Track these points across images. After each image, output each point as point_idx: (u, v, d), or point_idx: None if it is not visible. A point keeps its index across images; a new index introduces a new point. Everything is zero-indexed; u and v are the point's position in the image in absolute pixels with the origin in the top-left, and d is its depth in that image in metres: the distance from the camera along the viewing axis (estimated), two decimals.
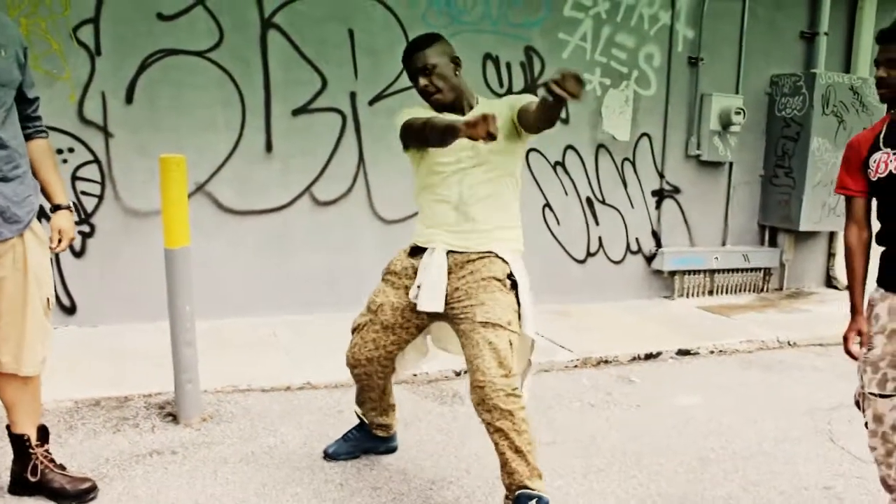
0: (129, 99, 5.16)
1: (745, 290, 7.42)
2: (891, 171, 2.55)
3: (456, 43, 5.75)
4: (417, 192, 3.00)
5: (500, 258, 2.86)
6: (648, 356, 5.23)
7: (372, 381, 3.19)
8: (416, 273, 2.93)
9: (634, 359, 5.17)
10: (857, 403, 2.71)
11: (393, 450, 3.49)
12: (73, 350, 4.65)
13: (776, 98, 7.30)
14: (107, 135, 5.17)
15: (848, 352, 2.69)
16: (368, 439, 3.44)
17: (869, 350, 2.63)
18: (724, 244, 7.38)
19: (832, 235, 7.82)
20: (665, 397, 4.49)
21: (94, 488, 2.98)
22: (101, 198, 5.22)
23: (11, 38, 2.61)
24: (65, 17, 4.94)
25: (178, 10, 5.20)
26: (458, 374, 4.56)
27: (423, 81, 2.86)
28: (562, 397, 4.37)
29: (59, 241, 2.87)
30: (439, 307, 2.83)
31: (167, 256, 3.60)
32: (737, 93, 7.10)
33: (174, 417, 3.76)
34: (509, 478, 2.71)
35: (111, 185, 5.22)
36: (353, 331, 3.13)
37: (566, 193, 6.58)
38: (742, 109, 6.93)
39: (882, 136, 2.61)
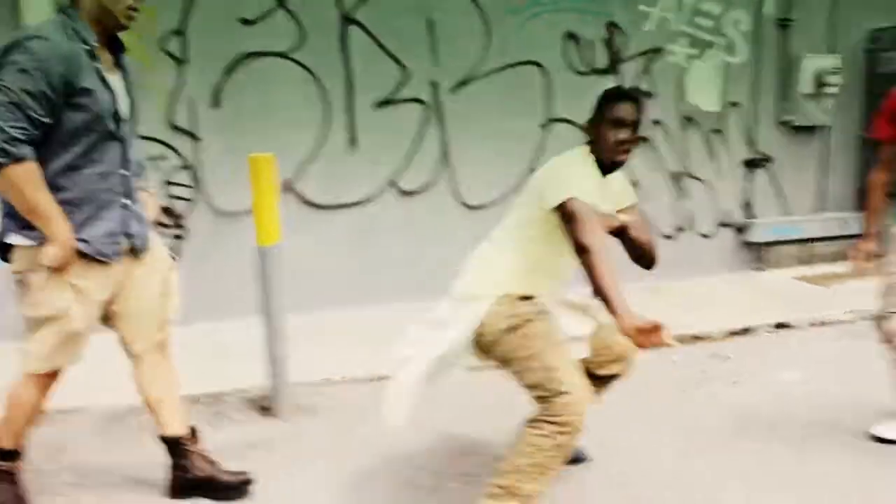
0: (216, 103, 5.32)
1: (845, 259, 7.10)
2: None
3: (536, 24, 5.85)
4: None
5: None
6: (744, 331, 5.12)
7: None
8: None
9: (730, 334, 5.07)
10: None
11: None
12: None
13: (877, 54, 6.92)
14: (194, 139, 5.29)
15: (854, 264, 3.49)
16: None
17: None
18: (821, 212, 7.10)
19: None
20: (763, 373, 4.40)
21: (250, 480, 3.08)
22: (192, 201, 5.37)
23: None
24: (151, 30, 5.01)
25: (261, 13, 5.30)
26: None
27: (625, 135, 2.70)
28: (653, 378, 4.24)
29: None
30: None
31: (260, 253, 3.72)
32: (832, 52, 6.79)
33: (268, 411, 3.86)
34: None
35: (201, 187, 5.37)
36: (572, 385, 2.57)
37: (653, 169, 6.45)
38: (838, 69, 6.62)
39: None
